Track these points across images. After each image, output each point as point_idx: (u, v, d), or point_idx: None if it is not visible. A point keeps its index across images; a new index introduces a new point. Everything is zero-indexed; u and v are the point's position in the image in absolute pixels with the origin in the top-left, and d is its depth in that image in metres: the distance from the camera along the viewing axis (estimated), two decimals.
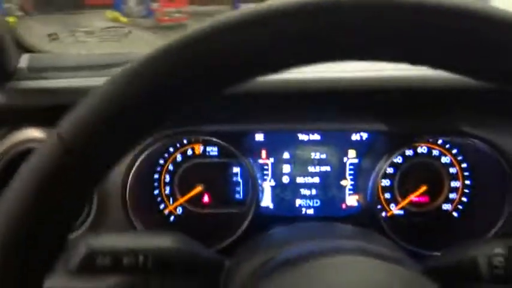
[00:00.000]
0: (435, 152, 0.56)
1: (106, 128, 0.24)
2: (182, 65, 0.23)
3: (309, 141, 0.57)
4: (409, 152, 0.56)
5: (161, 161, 0.57)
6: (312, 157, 0.58)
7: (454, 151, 0.56)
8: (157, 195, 0.57)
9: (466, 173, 0.56)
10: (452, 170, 0.57)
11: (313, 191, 0.58)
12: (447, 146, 0.56)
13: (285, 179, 0.58)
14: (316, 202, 0.58)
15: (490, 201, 0.53)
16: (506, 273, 0.39)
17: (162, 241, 0.40)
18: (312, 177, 0.58)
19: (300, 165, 0.58)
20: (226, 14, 0.22)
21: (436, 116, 0.51)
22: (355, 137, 0.56)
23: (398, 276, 0.32)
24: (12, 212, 0.25)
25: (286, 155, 0.57)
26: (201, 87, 0.23)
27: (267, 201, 0.58)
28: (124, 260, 0.38)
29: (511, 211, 0.50)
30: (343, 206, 0.58)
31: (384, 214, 0.57)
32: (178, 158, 0.57)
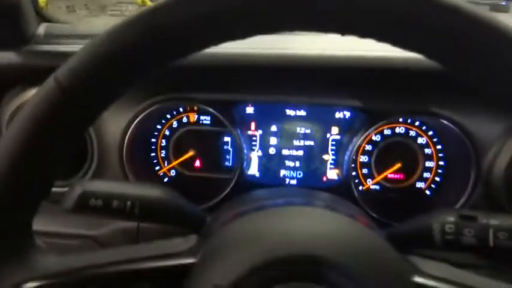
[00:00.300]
0: (412, 133, 0.60)
1: (95, 74, 0.29)
2: (141, 34, 0.28)
3: (296, 117, 0.61)
4: (387, 132, 0.60)
5: (158, 126, 0.62)
6: (298, 131, 0.62)
7: (430, 133, 0.59)
8: (154, 157, 0.63)
9: (440, 154, 0.60)
10: (427, 151, 0.60)
11: (297, 163, 0.63)
12: (424, 127, 0.59)
13: (272, 150, 0.63)
14: (299, 173, 0.63)
15: (458, 180, 0.57)
16: (456, 239, 0.43)
17: (151, 191, 0.45)
18: (297, 150, 0.63)
19: (286, 138, 0.62)
20: None
21: (408, 96, 0.55)
22: (338, 114, 0.61)
23: (348, 226, 0.36)
24: (11, 147, 0.30)
25: (273, 128, 0.62)
26: (155, 54, 0.29)
27: (253, 169, 0.63)
28: (113, 203, 0.43)
29: (473, 188, 0.54)
30: (324, 178, 0.62)
31: (360, 188, 0.61)
32: (174, 124, 0.62)
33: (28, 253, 0.33)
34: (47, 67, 0.56)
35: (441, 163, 0.60)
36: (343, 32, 0.27)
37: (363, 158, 0.61)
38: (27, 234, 0.33)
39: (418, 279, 0.34)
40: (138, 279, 0.34)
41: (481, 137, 0.53)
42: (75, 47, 0.57)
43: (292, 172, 0.63)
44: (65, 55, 0.56)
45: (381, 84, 0.55)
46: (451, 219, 0.44)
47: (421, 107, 0.55)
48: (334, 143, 0.61)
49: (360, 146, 0.59)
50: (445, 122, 0.54)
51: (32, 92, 0.56)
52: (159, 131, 0.62)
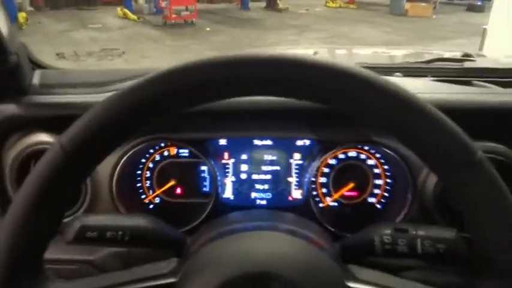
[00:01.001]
0: (363, 156, 0.70)
1: (93, 139, 0.38)
2: (140, 103, 0.37)
3: (263, 146, 0.71)
4: (341, 156, 0.70)
5: (143, 160, 0.71)
6: (265, 158, 0.71)
7: (378, 155, 0.69)
8: (139, 187, 0.72)
9: (387, 173, 0.70)
10: (376, 171, 0.70)
11: (266, 186, 0.72)
12: (372, 151, 0.69)
13: (243, 176, 0.72)
14: (268, 195, 0.72)
15: (401, 195, 0.67)
16: (392, 248, 0.53)
17: (138, 221, 0.54)
18: (265, 174, 0.72)
19: (255, 164, 0.72)
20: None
21: (353, 128, 0.65)
22: (299, 143, 0.70)
23: (299, 247, 0.45)
24: (26, 198, 0.39)
25: (244, 157, 0.71)
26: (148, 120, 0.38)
27: (228, 193, 0.72)
28: (107, 234, 0.52)
29: (411, 203, 0.64)
30: (290, 198, 0.72)
31: (320, 205, 0.71)
32: (157, 157, 0.71)
33: (41, 282, 0.41)
34: (44, 116, 0.65)
35: (388, 180, 0.70)
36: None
37: (322, 179, 0.71)
38: (40, 267, 0.42)
39: (351, 284, 0.43)
40: None
41: (414, 160, 0.63)
42: (67, 97, 0.66)
43: (262, 194, 0.72)
44: (59, 106, 0.65)
45: (331, 121, 0.65)
46: (388, 231, 0.54)
47: (364, 137, 0.65)
48: (297, 167, 0.71)
49: (318, 168, 0.69)
50: (385, 149, 0.64)
51: (31, 138, 0.64)
52: (144, 164, 0.71)
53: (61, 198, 0.41)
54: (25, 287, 0.40)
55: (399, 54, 1.46)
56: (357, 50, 1.64)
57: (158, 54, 6.21)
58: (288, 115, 0.65)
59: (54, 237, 0.41)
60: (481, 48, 4.02)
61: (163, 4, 9.85)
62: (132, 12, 10.54)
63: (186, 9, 10.04)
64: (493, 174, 0.38)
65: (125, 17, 10.27)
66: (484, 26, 4.16)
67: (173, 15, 9.72)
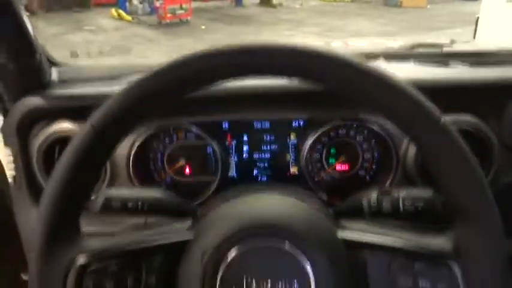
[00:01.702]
0: (352, 133, 0.78)
1: (118, 118, 0.45)
2: (156, 88, 0.45)
3: (261, 128, 0.79)
4: (333, 133, 0.78)
5: (155, 143, 0.79)
6: (264, 139, 0.79)
7: (365, 132, 0.77)
8: (152, 168, 0.79)
9: (374, 148, 0.78)
10: (365, 146, 0.78)
11: (266, 164, 0.80)
12: (360, 128, 0.77)
13: (245, 155, 0.80)
14: (268, 171, 0.80)
15: (387, 166, 0.75)
16: (378, 209, 0.61)
17: (155, 193, 0.62)
18: (265, 153, 0.80)
19: (255, 145, 0.79)
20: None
21: (342, 108, 0.73)
22: (294, 124, 0.78)
23: (299, 206, 0.53)
24: (64, 169, 0.46)
25: (245, 138, 0.79)
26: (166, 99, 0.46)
27: (232, 171, 0.80)
28: (128, 204, 0.60)
29: (395, 172, 0.72)
30: (288, 174, 0.80)
31: (315, 179, 0.79)
32: (167, 141, 0.79)
33: (78, 238, 0.49)
34: (65, 107, 0.73)
35: (375, 154, 0.78)
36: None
37: (316, 155, 0.79)
38: (77, 225, 0.50)
39: (342, 234, 0.50)
40: (153, 253, 0.50)
41: (396, 133, 0.71)
42: (83, 90, 0.74)
43: (262, 171, 0.80)
44: (78, 97, 0.73)
45: (321, 101, 0.73)
46: (374, 195, 0.62)
47: (351, 115, 0.73)
48: (293, 145, 0.79)
49: (312, 146, 0.77)
50: (369, 124, 0.72)
51: (54, 127, 0.72)
52: (156, 147, 0.79)
53: (92, 169, 0.48)
54: (65, 241, 0.48)
55: (391, 44, 1.54)
56: (351, 41, 1.72)
57: (155, 55, 6.27)
58: (283, 98, 0.73)
59: (89, 200, 0.49)
60: (474, 37, 4.09)
61: (157, 4, 9.89)
62: (126, 13, 10.58)
63: (181, 8, 10.08)
64: (455, 137, 0.46)
65: (119, 18, 10.32)
66: (477, 15, 4.24)
67: (168, 15, 9.77)
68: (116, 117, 0.45)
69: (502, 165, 0.68)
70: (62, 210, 0.47)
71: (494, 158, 0.68)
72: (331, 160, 0.79)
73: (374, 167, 0.78)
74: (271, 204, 0.52)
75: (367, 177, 0.79)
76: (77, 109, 0.54)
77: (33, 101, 0.71)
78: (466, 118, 0.67)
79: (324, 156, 0.79)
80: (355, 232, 0.51)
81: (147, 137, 0.75)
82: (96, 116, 0.45)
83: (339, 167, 0.79)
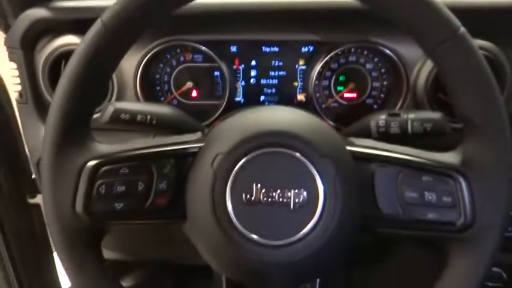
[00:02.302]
0: (362, 60, 0.76)
1: (129, 17, 0.44)
2: None
3: (270, 52, 0.77)
4: (342, 60, 0.76)
5: (161, 65, 0.77)
6: (272, 64, 0.78)
7: (376, 59, 0.76)
8: (159, 90, 0.79)
9: (384, 76, 0.77)
10: (374, 74, 0.77)
11: (273, 90, 0.79)
12: (370, 55, 0.76)
13: (252, 81, 0.79)
14: (275, 98, 0.80)
15: (396, 94, 0.74)
16: (386, 131, 0.61)
17: (164, 109, 0.62)
18: (272, 79, 0.79)
19: (263, 70, 0.78)
20: None
21: (353, 31, 0.71)
22: (303, 49, 0.76)
23: (309, 117, 0.53)
24: (75, 68, 0.46)
25: (253, 63, 0.78)
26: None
27: (239, 97, 0.79)
28: (137, 117, 0.60)
29: (405, 97, 0.72)
30: (295, 100, 0.79)
31: (323, 106, 0.78)
32: (173, 62, 0.77)
33: (89, 143, 0.49)
34: (70, 19, 0.71)
35: (385, 83, 0.77)
36: None
37: (324, 82, 0.78)
38: (88, 130, 0.50)
39: (350, 148, 0.51)
40: (164, 157, 0.51)
41: (408, 57, 0.70)
42: (90, 2, 0.71)
43: (269, 97, 0.80)
44: (84, 9, 0.71)
45: (333, 22, 0.71)
46: (383, 116, 0.62)
47: (363, 37, 0.71)
48: (301, 72, 0.78)
49: (320, 72, 0.76)
50: (381, 48, 0.70)
51: (60, 40, 0.70)
52: (162, 68, 0.78)
53: (103, 71, 0.48)
54: (76, 145, 0.48)
55: None
56: None
57: None
58: (293, 18, 0.71)
59: (100, 103, 0.49)
60: None
61: None
62: None
63: None
64: (474, 47, 0.45)
65: None
66: None
67: None
68: (129, 15, 0.44)
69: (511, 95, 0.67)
70: (73, 112, 0.46)
71: (506, 86, 0.67)
72: (340, 88, 0.78)
73: (382, 95, 0.77)
74: (283, 113, 0.51)
75: (375, 106, 0.78)
76: (84, 22, 0.52)
77: (37, 13, 0.69)
78: (483, 42, 0.66)
79: (332, 83, 0.78)
80: (363, 147, 0.51)
81: (153, 55, 0.73)
82: (108, 14, 0.44)
83: (347, 94, 0.78)
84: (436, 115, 0.58)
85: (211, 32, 0.74)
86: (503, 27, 0.67)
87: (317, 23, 0.74)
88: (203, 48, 0.74)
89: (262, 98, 0.80)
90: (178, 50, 0.77)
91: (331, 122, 0.76)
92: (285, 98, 0.79)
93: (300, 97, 0.79)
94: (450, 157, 0.48)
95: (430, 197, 0.47)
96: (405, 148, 0.51)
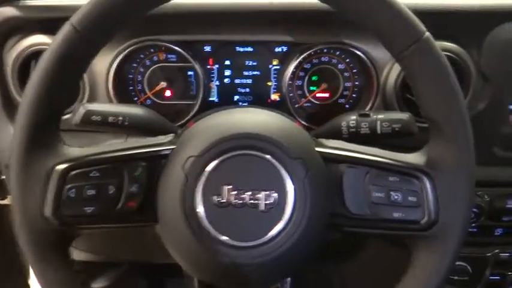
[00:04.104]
0: (334, 61, 0.77)
1: (99, 18, 0.44)
2: None
3: (244, 52, 0.78)
4: (315, 60, 0.77)
5: (134, 65, 0.77)
6: (246, 64, 0.79)
7: (348, 60, 0.77)
8: (132, 90, 0.78)
9: (355, 77, 0.78)
10: (346, 74, 0.78)
11: (247, 89, 0.80)
12: (343, 56, 0.77)
13: (226, 80, 0.79)
14: (249, 97, 0.80)
15: (366, 94, 0.76)
16: (356, 131, 0.62)
17: (137, 110, 0.62)
18: (246, 79, 0.79)
19: (237, 70, 0.79)
20: None
21: (326, 32, 0.72)
22: (277, 49, 0.77)
23: (279, 118, 0.54)
24: (43, 70, 0.45)
25: (227, 62, 0.78)
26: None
27: (213, 96, 0.80)
28: (109, 119, 0.59)
29: (375, 98, 0.73)
30: (269, 100, 0.80)
31: (296, 105, 0.79)
32: (147, 62, 0.77)
33: (58, 145, 0.49)
34: (40, 18, 0.69)
35: (356, 83, 0.78)
36: None
37: (297, 82, 0.78)
38: (57, 132, 0.49)
39: (320, 149, 0.52)
40: (135, 160, 0.51)
41: (378, 59, 0.72)
42: (59, 0, 0.70)
43: (243, 97, 0.80)
44: (53, 8, 0.70)
45: (306, 24, 0.72)
46: (353, 117, 0.63)
47: (335, 39, 0.72)
48: (275, 71, 0.78)
49: (294, 72, 0.77)
50: (353, 49, 0.72)
51: (30, 40, 0.69)
52: (135, 68, 0.77)
53: (72, 73, 0.47)
54: (44, 149, 0.47)
55: None
56: None
57: None
58: (266, 19, 0.72)
59: (69, 105, 0.48)
60: None
61: None
62: None
63: None
64: (438, 51, 0.46)
65: None
66: None
67: None
68: (99, 16, 0.44)
69: (476, 94, 0.70)
70: (42, 114, 0.46)
71: (471, 86, 0.69)
72: (313, 87, 0.79)
73: (354, 95, 0.79)
74: (255, 115, 0.52)
75: (347, 106, 0.80)
76: (54, 21, 0.52)
77: (6, 11, 0.68)
78: (448, 44, 0.68)
79: (305, 83, 0.79)
80: (332, 148, 0.52)
81: (126, 55, 0.73)
82: (77, 16, 0.44)
83: (320, 94, 0.79)
84: (404, 115, 0.60)
85: (185, 32, 0.74)
86: (467, 29, 0.70)
87: (290, 24, 0.75)
88: (177, 48, 0.74)
89: (236, 97, 0.80)
90: (151, 50, 0.76)
91: (304, 122, 0.77)
92: (259, 97, 0.80)
93: (274, 97, 0.80)
94: (415, 158, 0.50)
95: (396, 197, 0.49)
96: (373, 149, 0.52)
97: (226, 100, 0.80)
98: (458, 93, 0.47)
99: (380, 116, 0.61)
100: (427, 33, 0.45)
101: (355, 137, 0.62)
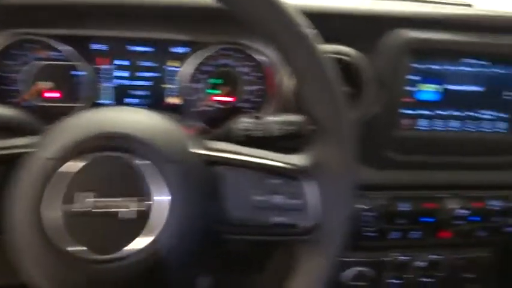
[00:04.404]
0: (235, 63, 0.75)
1: None
2: None
3: (140, 52, 0.73)
4: (216, 62, 0.74)
5: (9, 62, 0.69)
6: (141, 64, 0.73)
7: (248, 63, 0.75)
8: (14, 90, 0.69)
9: (256, 80, 0.76)
10: (246, 77, 0.76)
11: (142, 92, 0.74)
12: (243, 59, 0.74)
13: (120, 81, 0.73)
14: (144, 100, 0.75)
15: (267, 99, 0.74)
16: (251, 133, 0.59)
17: (3, 110, 0.54)
18: (141, 80, 0.74)
19: (132, 70, 0.73)
20: None
21: (224, 32, 0.69)
22: (173, 49, 0.73)
23: (153, 117, 0.49)
24: None
25: (121, 62, 0.73)
26: None
27: (105, 98, 0.73)
28: None
29: (271, 103, 0.72)
30: (166, 103, 0.75)
31: (195, 109, 0.75)
32: (26, 59, 0.69)
33: None
34: None
35: (257, 87, 0.76)
36: None
37: (196, 85, 0.75)
38: None
39: (202, 151, 0.48)
40: None
41: (277, 61, 0.70)
42: None
43: (138, 99, 0.75)
44: None
45: (204, 22, 0.69)
46: (247, 120, 0.60)
47: (233, 39, 0.70)
48: (172, 73, 0.74)
49: (192, 74, 0.73)
50: (251, 51, 0.70)
51: None
52: (11, 66, 0.69)
53: None
54: None
55: None
56: None
57: None
58: (160, 15, 0.68)
59: None
60: None
61: None
62: None
63: None
64: (317, 51, 0.45)
65: None
66: None
67: None
68: None
69: (371, 98, 0.70)
70: None
71: (365, 90, 0.69)
72: (213, 91, 0.76)
73: (255, 99, 0.77)
74: (125, 114, 0.47)
75: (248, 109, 0.77)
76: None
77: None
78: (343, 48, 0.68)
79: (205, 86, 0.75)
80: (214, 150, 0.49)
81: (3, 54, 0.65)
82: None
83: (220, 98, 0.76)
84: (297, 118, 0.59)
85: (70, 26, 0.68)
86: (361, 33, 0.70)
87: (187, 23, 0.71)
88: (66, 45, 0.67)
89: (129, 100, 0.74)
90: (32, 46, 0.69)
91: (205, 126, 0.73)
92: (154, 100, 0.75)
93: (171, 100, 0.75)
94: (300, 159, 0.48)
95: (277, 200, 0.46)
96: (258, 151, 0.49)
97: (119, 103, 0.74)
98: (339, 96, 0.46)
99: (273, 119, 0.60)
100: (308, 32, 0.44)
101: (249, 140, 0.60)
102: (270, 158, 0.48)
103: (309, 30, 0.44)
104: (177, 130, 0.48)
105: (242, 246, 0.76)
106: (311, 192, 0.46)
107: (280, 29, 0.43)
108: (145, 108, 0.56)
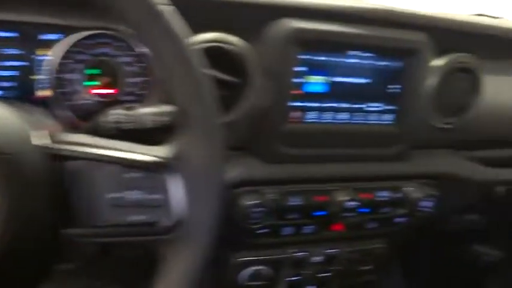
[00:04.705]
0: (115, 53, 0.69)
1: None
2: None
3: (2, 37, 0.64)
4: (96, 51, 0.67)
5: None
6: (7, 53, 0.65)
7: (130, 53, 0.69)
8: None
9: (139, 71, 0.70)
10: (128, 68, 0.70)
11: (9, 84, 0.66)
12: (125, 48, 0.69)
13: None
14: (12, 93, 0.66)
15: (151, 91, 0.69)
16: (122, 126, 0.54)
17: None
18: (7, 70, 0.65)
19: None
20: None
21: (98, 16, 0.63)
22: (41, 36, 0.65)
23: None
24: None
25: None
26: None
27: None
28: None
29: (158, 96, 0.67)
30: (36, 95, 0.67)
31: (71, 102, 0.68)
32: None
33: None
34: None
35: (140, 78, 0.70)
36: None
37: (71, 76, 0.67)
38: None
39: (41, 144, 0.41)
40: None
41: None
42: None
43: (5, 92, 0.66)
44: None
45: (76, 6, 0.62)
46: (120, 111, 0.55)
47: (108, 25, 0.64)
48: (41, 62, 0.66)
49: (61, 63, 0.66)
50: (129, 40, 0.64)
51: None
52: None
53: None
54: None
55: None
56: None
57: None
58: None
59: None
60: None
61: None
62: None
63: None
64: (173, 29, 0.41)
65: None
66: None
67: None
68: None
69: (259, 90, 0.68)
70: None
71: (252, 82, 0.67)
72: (91, 82, 0.69)
73: (139, 91, 0.71)
74: None
75: (132, 102, 0.71)
76: None
77: None
78: (226, 36, 0.65)
79: (81, 77, 0.68)
80: (64, 143, 0.43)
81: None
82: None
83: (99, 90, 0.70)
84: (170, 108, 0.55)
85: None
86: (246, 22, 0.67)
87: (59, 5, 0.64)
88: None
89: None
90: None
91: (76, 119, 0.66)
92: (22, 93, 0.66)
93: (42, 92, 0.67)
94: (163, 151, 0.44)
95: (135, 196, 0.42)
96: (120, 143, 0.45)
97: None
98: (203, 83, 0.42)
99: (147, 110, 0.55)
100: (162, 8, 0.40)
101: (122, 133, 0.55)
102: (129, 150, 0.43)
103: (165, 7, 0.40)
104: (16, 123, 0.42)
105: (127, 251, 0.70)
106: (174, 186, 0.42)
107: (132, 5, 0.39)
108: (12, 101, 0.50)
